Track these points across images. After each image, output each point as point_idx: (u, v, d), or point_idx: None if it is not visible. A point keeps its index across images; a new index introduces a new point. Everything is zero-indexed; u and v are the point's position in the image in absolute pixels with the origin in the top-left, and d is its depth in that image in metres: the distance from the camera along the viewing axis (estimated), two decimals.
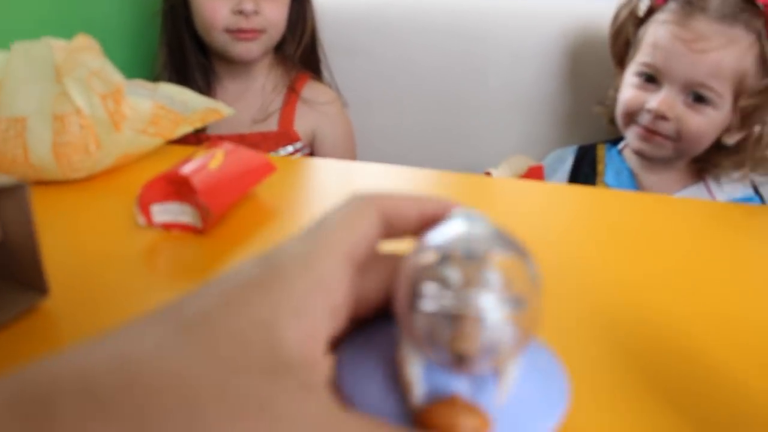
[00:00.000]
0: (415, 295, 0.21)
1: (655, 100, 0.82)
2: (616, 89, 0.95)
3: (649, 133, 0.84)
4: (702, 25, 0.80)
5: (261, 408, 0.16)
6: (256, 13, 0.92)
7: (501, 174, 0.83)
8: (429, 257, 0.21)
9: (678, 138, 0.83)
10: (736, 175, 0.88)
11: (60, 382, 0.16)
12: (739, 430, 0.28)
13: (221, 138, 0.91)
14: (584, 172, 0.96)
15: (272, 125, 0.99)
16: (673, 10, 0.83)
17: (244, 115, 0.98)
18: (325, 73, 1.06)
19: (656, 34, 0.84)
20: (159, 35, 0.99)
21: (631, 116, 0.87)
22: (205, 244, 0.47)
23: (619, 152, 0.96)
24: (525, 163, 0.84)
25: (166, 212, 0.47)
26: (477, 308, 0.20)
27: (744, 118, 0.83)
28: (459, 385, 0.22)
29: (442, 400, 0.21)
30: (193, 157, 0.50)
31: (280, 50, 1.02)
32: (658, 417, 0.29)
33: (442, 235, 0.22)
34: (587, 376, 0.32)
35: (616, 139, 0.98)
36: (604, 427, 0.28)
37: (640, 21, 0.89)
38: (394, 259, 0.23)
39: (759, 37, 0.80)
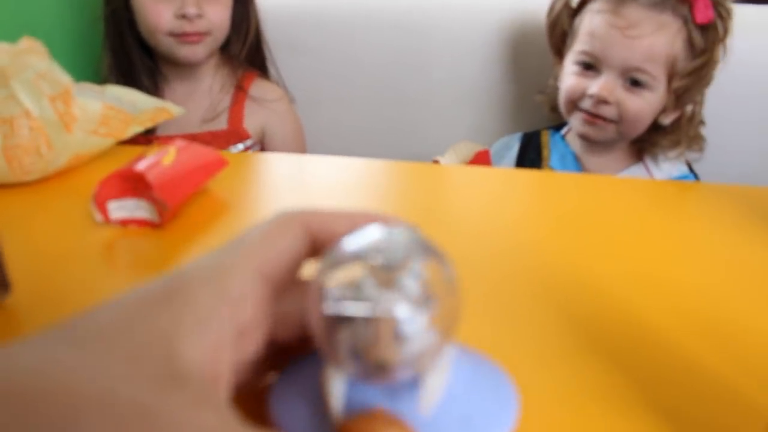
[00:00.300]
0: (327, 304, 0.20)
1: (595, 85, 0.86)
2: (556, 78, 0.98)
3: (592, 118, 0.88)
4: (634, 12, 0.84)
5: (144, 418, 0.15)
6: (199, 16, 0.93)
7: (448, 161, 0.85)
8: (341, 265, 0.20)
9: (619, 120, 0.87)
10: (672, 153, 0.93)
11: None
12: (674, 383, 0.31)
13: (171, 138, 0.91)
14: (530, 157, 0.99)
15: (222, 124, 0.99)
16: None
17: (194, 115, 0.99)
18: (272, 71, 1.07)
19: (592, 23, 0.87)
20: (102, 39, 0.98)
21: (574, 103, 0.91)
22: (162, 238, 0.47)
23: (563, 137, 1.00)
24: (471, 149, 0.87)
25: (122, 208, 0.48)
26: (392, 312, 0.19)
27: (677, 98, 0.88)
28: (381, 399, 0.21)
29: (363, 415, 0.20)
30: (146, 155, 0.50)
31: (225, 50, 1.02)
32: (607, 378, 0.31)
33: (356, 241, 0.21)
34: (538, 348, 0.34)
35: (559, 125, 1.02)
36: (559, 400, 0.31)
37: (575, 11, 0.92)
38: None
39: (685, 22, 0.85)
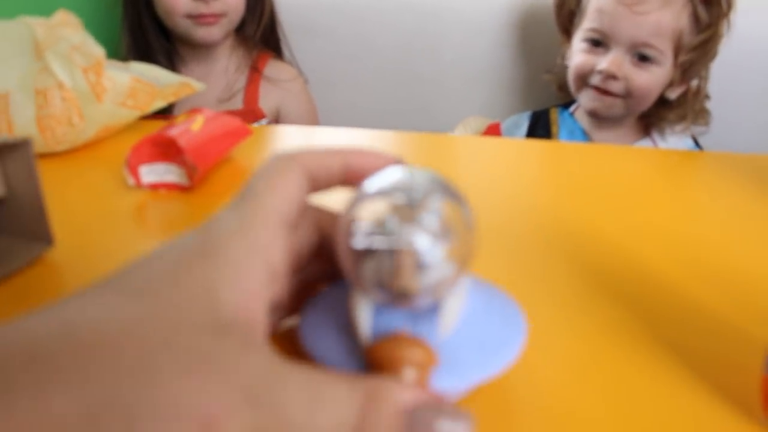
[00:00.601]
0: (355, 239, 0.22)
1: (604, 61, 0.89)
2: (564, 57, 1.00)
3: (601, 93, 0.91)
4: None
5: (207, 362, 0.17)
6: None
7: (460, 134, 0.87)
8: (367, 202, 0.23)
9: (627, 95, 0.89)
10: (678, 127, 0.95)
11: (11, 352, 0.16)
12: (677, 320, 0.33)
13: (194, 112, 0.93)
14: (539, 135, 1.01)
15: (237, 104, 1.02)
16: None
17: (210, 95, 1.01)
18: (285, 53, 1.10)
19: (599, 0, 0.89)
20: (120, 21, 1.01)
21: (583, 79, 0.93)
22: (190, 201, 0.50)
23: (571, 114, 1.02)
24: (482, 123, 0.89)
25: (153, 173, 0.51)
26: (413, 245, 0.21)
27: (683, 72, 0.91)
28: (404, 323, 0.23)
29: (388, 337, 0.22)
30: (175, 123, 0.53)
31: (241, 31, 1.04)
32: (613, 313, 0.34)
33: (380, 181, 0.23)
34: (549, 289, 0.37)
35: (567, 103, 1.04)
36: (565, 345, 0.33)
37: None
38: (321, 211, 0.25)
39: None
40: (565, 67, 1.00)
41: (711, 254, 0.40)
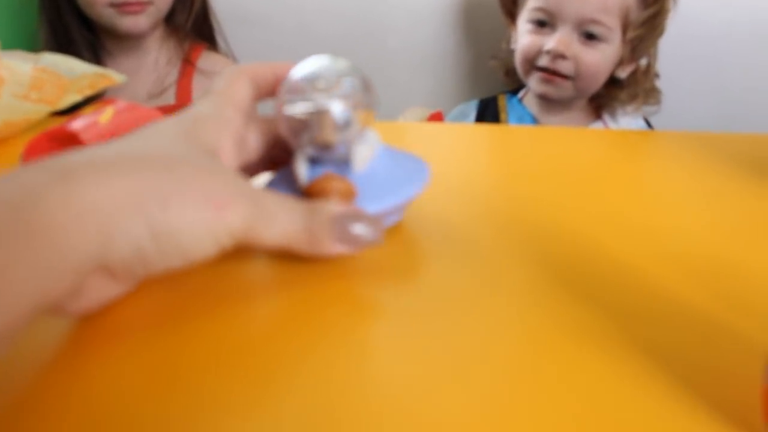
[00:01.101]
0: (288, 107, 0.30)
1: (551, 41, 0.85)
2: (509, 42, 0.97)
3: (550, 75, 0.88)
4: None
5: (215, 172, 0.26)
6: None
7: None
8: (295, 82, 0.31)
9: (576, 76, 0.87)
10: (630, 107, 0.94)
11: (76, 160, 0.23)
12: (658, 323, 0.29)
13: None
14: (488, 122, 0.98)
15: (170, 99, 0.96)
16: None
17: (140, 90, 0.95)
18: (220, 43, 1.03)
19: None
20: (38, 12, 0.93)
21: (531, 62, 0.89)
22: None
23: (520, 101, 0.99)
24: (423, 113, 0.84)
25: None
26: (329, 108, 0.30)
27: (632, 50, 0.89)
28: (328, 169, 0.32)
29: (319, 178, 0.31)
30: (80, 115, 0.47)
31: (171, 21, 0.98)
32: (573, 310, 0.29)
33: (304, 67, 0.31)
34: (509, 289, 0.32)
35: (515, 89, 1.01)
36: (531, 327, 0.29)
37: None
38: (266, 120, 0.33)
39: None
40: (511, 52, 0.97)
41: (679, 239, 0.37)
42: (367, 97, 0.32)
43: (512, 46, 0.97)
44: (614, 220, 0.40)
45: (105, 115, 0.46)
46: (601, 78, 0.90)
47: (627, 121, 0.94)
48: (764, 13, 1.01)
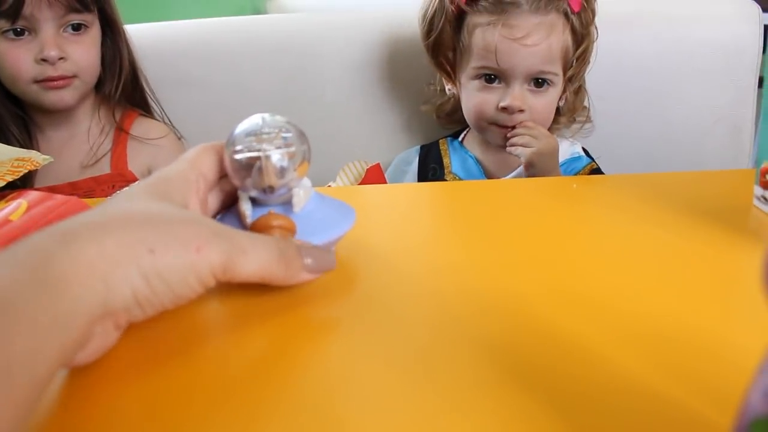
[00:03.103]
0: (235, 155, 0.35)
1: (507, 98, 0.87)
2: (441, 88, 0.98)
3: (506, 128, 0.88)
4: (524, 21, 0.85)
5: (192, 222, 0.30)
6: (62, 59, 0.86)
7: (341, 184, 0.82)
8: (239, 135, 0.36)
9: (532, 120, 0.88)
10: (569, 132, 0.98)
11: (75, 222, 0.27)
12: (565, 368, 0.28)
13: (52, 189, 0.84)
14: (432, 167, 0.97)
15: (105, 168, 0.93)
16: (488, 11, 0.87)
17: (73, 162, 0.92)
18: (154, 108, 1.01)
19: (485, 39, 0.87)
20: None
21: (485, 118, 0.90)
22: None
23: (461, 143, 0.99)
24: (362, 168, 0.84)
25: None
26: (270, 155, 0.35)
27: (569, 82, 0.92)
28: (273, 208, 0.37)
29: (263, 216, 0.36)
30: None
31: (100, 90, 0.96)
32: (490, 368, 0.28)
33: (246, 123, 0.36)
34: (438, 366, 0.31)
35: (456, 133, 1.01)
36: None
37: (456, 27, 0.92)
38: (223, 185, 0.38)
39: (566, 15, 0.88)
40: (439, 94, 0.99)
41: (618, 296, 0.36)
42: (303, 146, 0.37)
43: (448, 93, 0.97)
44: (554, 274, 0.38)
45: (18, 212, 0.44)
46: (551, 117, 0.92)
47: (566, 145, 0.96)
48: (689, 45, 1.04)
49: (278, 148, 0.36)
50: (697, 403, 0.25)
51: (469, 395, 0.27)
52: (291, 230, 0.36)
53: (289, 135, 0.37)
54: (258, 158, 0.35)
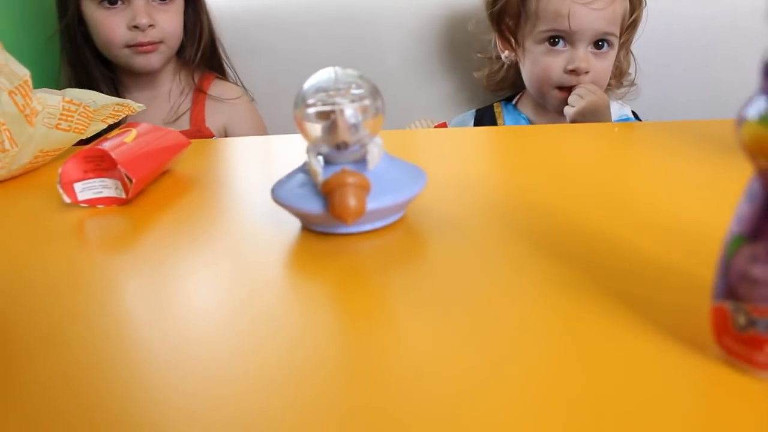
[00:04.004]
0: (307, 109, 0.35)
1: (575, 60, 0.92)
2: (498, 57, 1.03)
3: (568, 91, 0.93)
4: None
5: None
6: (151, 26, 0.95)
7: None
8: (309, 90, 0.36)
9: (593, 84, 0.93)
10: (615, 96, 1.03)
11: None
12: (635, 276, 0.34)
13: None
14: None
15: (184, 125, 1.01)
16: None
17: (156, 119, 1.01)
18: (229, 72, 1.10)
19: (555, 3, 0.92)
20: (60, 55, 1.00)
21: (550, 81, 0.95)
22: (130, 215, 0.49)
23: (514, 106, 1.04)
24: (429, 124, 0.90)
25: (88, 189, 0.50)
26: (342, 107, 0.35)
27: (621, 46, 0.98)
28: (345, 166, 0.36)
29: (336, 173, 0.35)
30: (107, 137, 0.52)
31: (182, 55, 1.04)
32: (566, 273, 0.34)
33: (318, 77, 0.36)
34: (502, 257, 0.37)
35: (509, 97, 1.06)
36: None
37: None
38: None
39: None
40: (491, 61, 1.04)
41: (652, 210, 0.41)
42: (376, 102, 0.36)
43: (504, 60, 1.02)
44: (600, 198, 0.44)
45: (129, 136, 0.51)
46: (608, 79, 0.97)
47: (615, 109, 1.00)
48: (741, 8, 1.06)
49: (352, 102, 0.35)
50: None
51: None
52: (366, 188, 0.35)
53: (361, 91, 0.36)
54: (330, 113, 0.35)
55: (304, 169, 0.39)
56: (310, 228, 0.40)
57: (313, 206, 0.37)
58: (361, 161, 0.37)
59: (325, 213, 0.36)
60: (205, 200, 0.52)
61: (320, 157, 0.37)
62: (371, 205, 0.36)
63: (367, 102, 0.36)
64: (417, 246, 0.39)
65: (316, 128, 0.36)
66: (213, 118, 1.03)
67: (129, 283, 0.38)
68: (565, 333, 0.28)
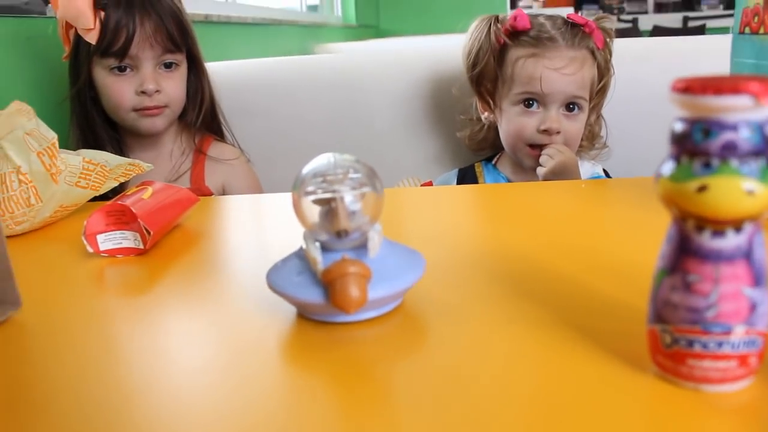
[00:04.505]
0: (306, 196, 0.35)
1: (547, 121, 1.00)
2: (478, 118, 1.11)
3: (540, 150, 1.01)
4: (563, 54, 1.00)
5: None
6: (157, 91, 1.02)
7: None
8: (307, 177, 0.36)
9: (565, 145, 1.00)
10: (588, 158, 1.10)
11: None
12: (581, 308, 0.40)
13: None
14: None
15: (185, 183, 1.07)
16: (531, 44, 1.01)
17: (158, 178, 1.06)
18: (227, 134, 1.16)
19: (528, 68, 1.00)
20: (69, 118, 1.07)
21: (523, 140, 1.02)
22: (145, 263, 0.55)
23: (494, 166, 1.11)
24: (416, 182, 0.97)
25: (109, 240, 0.56)
26: (342, 194, 0.35)
27: (591, 110, 1.06)
28: (345, 253, 0.36)
29: (336, 261, 0.35)
30: (127, 194, 0.58)
31: (183, 118, 1.11)
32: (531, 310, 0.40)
33: (315, 163, 0.36)
34: (486, 309, 0.43)
35: (489, 157, 1.14)
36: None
37: (499, 60, 1.05)
38: None
39: (593, 52, 1.03)
40: (472, 123, 1.12)
41: (610, 255, 0.48)
42: (375, 186, 0.36)
43: (484, 120, 1.10)
44: (564, 247, 0.51)
45: (147, 192, 0.57)
46: (579, 140, 1.05)
47: (588, 166, 1.07)
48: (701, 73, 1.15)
49: (352, 189, 0.35)
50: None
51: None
52: (367, 276, 0.35)
53: (359, 175, 0.36)
54: (330, 200, 0.35)
55: (301, 254, 0.38)
56: (306, 315, 0.40)
57: (313, 295, 0.36)
58: (360, 248, 0.37)
59: (325, 302, 0.36)
60: (208, 252, 0.59)
61: (317, 243, 0.37)
62: (373, 294, 0.35)
63: (366, 189, 0.35)
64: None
65: (314, 214, 0.35)
66: (212, 178, 1.09)
67: (137, 330, 0.43)
68: (532, 357, 0.34)
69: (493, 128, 1.09)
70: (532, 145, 1.02)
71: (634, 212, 0.59)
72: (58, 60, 1.05)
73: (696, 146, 0.27)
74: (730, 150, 0.27)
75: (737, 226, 0.28)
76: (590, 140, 1.10)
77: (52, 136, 0.62)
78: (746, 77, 0.26)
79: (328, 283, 0.35)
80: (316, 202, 0.35)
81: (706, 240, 0.28)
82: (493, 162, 1.12)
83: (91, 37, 0.98)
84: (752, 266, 0.28)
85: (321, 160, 0.36)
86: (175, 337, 0.42)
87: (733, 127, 0.27)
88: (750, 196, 0.26)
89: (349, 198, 0.35)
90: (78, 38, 0.99)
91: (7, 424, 0.30)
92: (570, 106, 1.02)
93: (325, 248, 0.36)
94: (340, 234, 0.35)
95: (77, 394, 0.34)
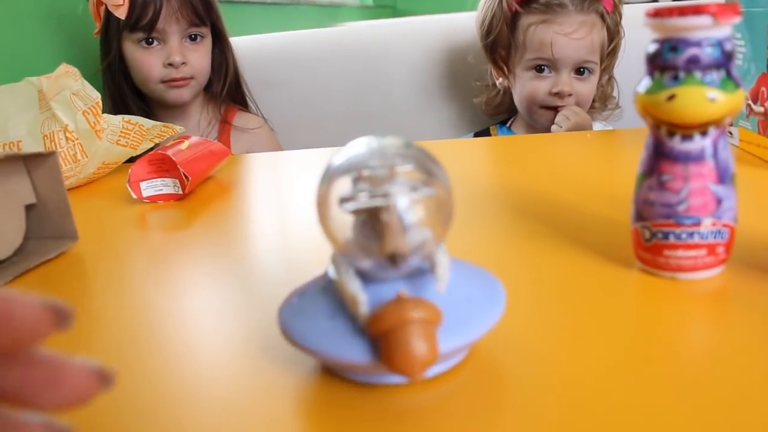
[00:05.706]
0: (336, 206, 0.23)
1: (558, 84, 1.04)
2: (494, 84, 1.15)
3: (554, 111, 1.05)
4: (572, 19, 1.04)
5: None
6: (183, 63, 1.07)
7: None
8: (340, 173, 0.23)
9: (575, 104, 1.04)
10: (601, 118, 1.13)
11: None
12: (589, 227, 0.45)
13: None
14: None
15: None
16: (541, 11, 1.04)
17: None
18: (251, 105, 1.22)
19: (539, 34, 1.04)
20: (102, 90, 1.12)
21: (536, 102, 1.07)
22: (183, 208, 0.61)
23: (509, 128, 1.16)
24: None
25: (151, 187, 0.61)
26: (394, 203, 0.22)
27: (603, 71, 1.09)
28: (400, 286, 0.23)
29: (388, 303, 0.22)
30: (166, 146, 0.64)
31: (209, 90, 1.17)
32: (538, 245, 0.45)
33: (349, 153, 0.24)
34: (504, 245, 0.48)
35: (504, 120, 1.18)
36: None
37: (512, 27, 1.09)
38: None
39: (602, 16, 1.06)
40: (493, 88, 1.15)
41: (610, 186, 0.52)
42: (438, 181, 0.23)
43: (499, 85, 1.14)
44: (571, 182, 0.55)
45: (184, 144, 0.63)
46: (590, 101, 1.09)
47: (597, 129, 1.11)
48: None
49: (399, 188, 0.22)
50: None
51: None
52: (436, 323, 0.23)
53: (411, 168, 0.23)
54: (377, 210, 0.22)
55: (329, 286, 0.26)
56: (340, 374, 0.27)
57: (356, 353, 0.24)
58: (417, 275, 0.25)
59: (374, 362, 0.24)
60: (237, 199, 0.65)
61: (351, 270, 0.24)
62: (444, 345, 0.23)
63: (428, 191, 0.23)
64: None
65: (349, 228, 0.23)
66: (237, 146, 1.15)
67: (177, 268, 0.49)
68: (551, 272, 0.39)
69: (509, 93, 1.13)
70: (546, 107, 1.06)
71: (636, 154, 0.63)
72: (89, 36, 1.11)
73: (666, 62, 0.32)
74: (694, 63, 0.31)
75: (703, 130, 0.32)
76: (602, 101, 1.13)
77: (96, 96, 0.68)
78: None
79: (380, 336, 0.23)
80: (357, 212, 0.23)
81: (677, 143, 0.33)
82: (508, 125, 1.16)
83: (121, 13, 1.03)
84: (717, 166, 0.33)
85: (357, 148, 0.24)
86: (204, 273, 0.48)
87: (697, 44, 0.31)
88: (712, 103, 0.31)
89: (403, 204, 0.22)
90: (108, 14, 1.05)
91: (65, 339, 0.36)
92: (581, 69, 1.05)
93: (365, 277, 0.24)
94: (395, 259, 0.23)
95: (124, 314, 0.40)
